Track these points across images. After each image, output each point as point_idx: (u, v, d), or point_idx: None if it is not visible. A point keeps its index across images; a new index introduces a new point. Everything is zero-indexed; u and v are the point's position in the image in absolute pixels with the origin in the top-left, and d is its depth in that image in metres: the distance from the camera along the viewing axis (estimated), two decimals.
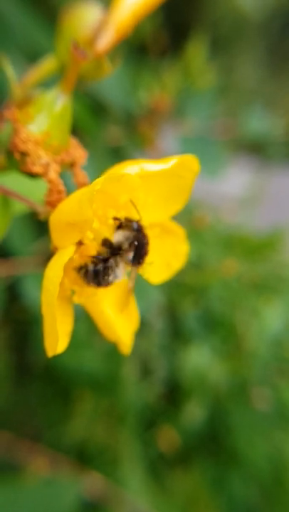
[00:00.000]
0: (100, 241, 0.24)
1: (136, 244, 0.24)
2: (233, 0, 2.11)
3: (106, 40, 0.22)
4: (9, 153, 0.24)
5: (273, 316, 1.06)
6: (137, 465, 0.92)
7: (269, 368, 1.03)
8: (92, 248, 0.24)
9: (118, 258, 0.24)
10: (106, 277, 0.24)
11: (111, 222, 0.24)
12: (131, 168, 0.23)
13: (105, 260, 0.24)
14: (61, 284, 0.22)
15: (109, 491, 0.75)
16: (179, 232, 0.29)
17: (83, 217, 0.21)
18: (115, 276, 0.25)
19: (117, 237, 0.24)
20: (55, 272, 0.21)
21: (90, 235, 0.24)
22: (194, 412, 1.00)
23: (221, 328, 1.07)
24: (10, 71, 0.24)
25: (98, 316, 0.26)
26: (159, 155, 0.90)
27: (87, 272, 0.24)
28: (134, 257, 0.24)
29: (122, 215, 0.24)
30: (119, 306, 0.26)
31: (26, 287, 0.62)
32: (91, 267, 0.24)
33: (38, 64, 0.25)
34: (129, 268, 0.25)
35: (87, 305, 0.26)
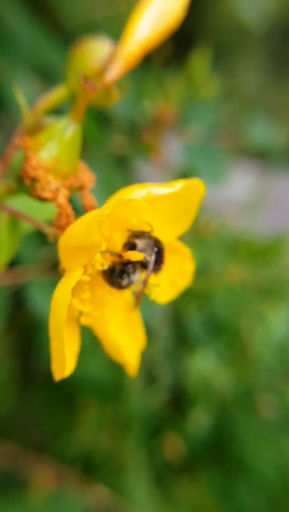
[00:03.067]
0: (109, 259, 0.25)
1: (156, 251, 0.25)
2: (234, 11, 2.13)
3: (115, 72, 0.23)
4: (20, 179, 0.25)
5: (278, 321, 1.05)
6: (142, 474, 0.92)
7: (275, 373, 1.02)
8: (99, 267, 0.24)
9: (137, 264, 0.25)
10: (120, 280, 0.25)
11: (119, 243, 0.25)
12: (138, 192, 0.23)
13: (125, 263, 0.25)
14: (69, 305, 0.23)
15: (115, 504, 0.75)
16: (185, 251, 0.29)
17: (92, 242, 0.21)
18: (129, 282, 0.25)
19: (140, 244, 0.25)
20: (63, 294, 0.21)
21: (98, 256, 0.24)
22: (200, 420, 0.99)
23: (225, 334, 1.07)
24: (21, 99, 0.25)
25: (105, 338, 0.26)
26: (162, 163, 0.90)
27: (108, 269, 0.25)
28: (156, 261, 0.25)
29: (136, 228, 0.25)
30: (126, 310, 0.26)
31: (31, 294, 0.63)
32: (109, 266, 0.25)
33: (48, 91, 0.26)
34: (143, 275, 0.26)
35: (94, 326, 0.27)
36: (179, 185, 0.23)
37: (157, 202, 0.25)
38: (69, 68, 0.25)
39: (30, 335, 0.88)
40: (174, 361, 1.03)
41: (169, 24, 0.24)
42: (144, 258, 0.25)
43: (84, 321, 0.25)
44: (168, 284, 0.28)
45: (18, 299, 0.67)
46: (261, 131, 0.94)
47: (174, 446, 1.00)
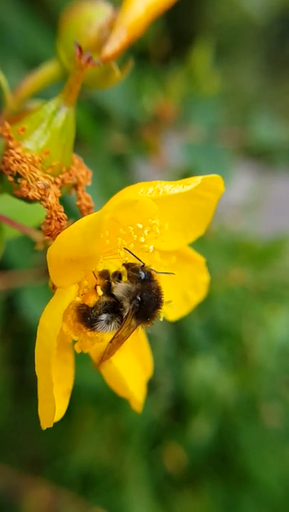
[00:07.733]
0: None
1: (139, 301, 0.20)
2: (237, 2, 2.10)
3: (116, 43, 0.18)
4: (0, 175, 0.20)
5: (279, 324, 1.02)
6: (142, 488, 0.88)
7: (277, 380, 0.99)
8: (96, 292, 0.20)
9: (114, 315, 0.21)
10: (91, 328, 0.21)
11: (122, 254, 0.21)
12: (146, 191, 0.19)
13: (99, 314, 0.20)
14: (61, 330, 0.18)
15: None
16: (198, 260, 0.25)
17: (88, 254, 0.17)
18: (103, 328, 0.21)
19: (116, 291, 0.20)
20: (52, 322, 0.17)
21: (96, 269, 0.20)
22: (202, 429, 0.95)
23: (226, 338, 1.03)
24: (2, 79, 0.20)
25: (105, 368, 0.22)
26: (163, 163, 0.87)
27: (79, 310, 0.21)
28: (138, 313, 0.21)
29: (124, 261, 0.20)
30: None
31: (25, 299, 0.60)
32: (82, 310, 0.20)
33: (35, 70, 0.21)
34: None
35: (92, 354, 0.22)
36: (195, 181, 0.19)
37: (168, 202, 0.21)
38: (60, 39, 0.20)
39: (25, 342, 0.84)
40: (175, 368, 1.00)
41: None
42: (123, 309, 0.20)
43: (79, 348, 0.21)
44: (179, 298, 0.24)
45: (12, 304, 0.64)
46: (267, 131, 0.91)
47: (175, 456, 0.96)
